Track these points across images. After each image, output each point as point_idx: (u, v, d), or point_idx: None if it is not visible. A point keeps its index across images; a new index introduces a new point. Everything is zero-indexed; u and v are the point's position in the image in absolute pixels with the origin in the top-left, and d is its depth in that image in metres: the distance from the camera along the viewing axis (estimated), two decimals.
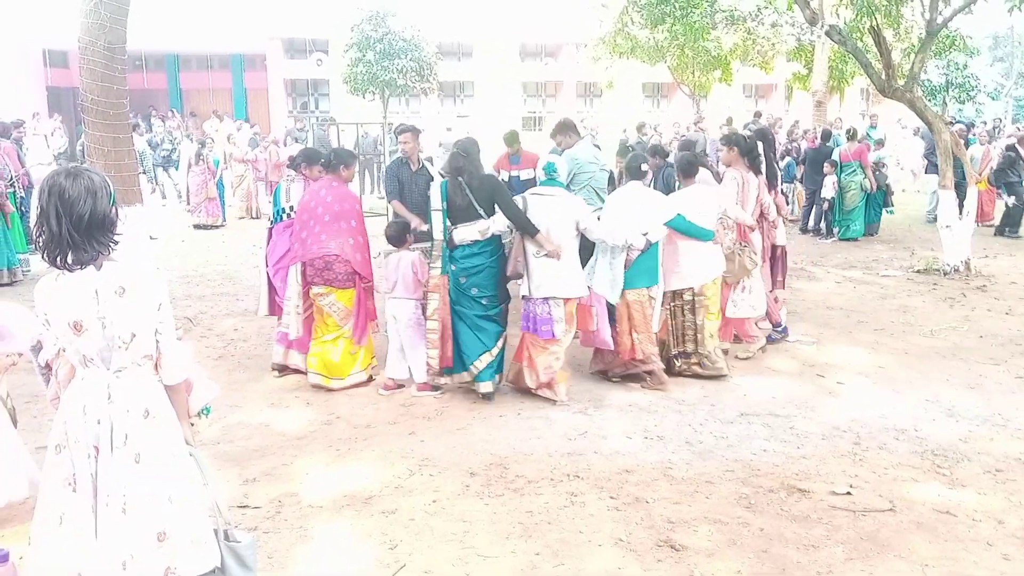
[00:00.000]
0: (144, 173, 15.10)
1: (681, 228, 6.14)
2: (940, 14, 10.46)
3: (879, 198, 13.10)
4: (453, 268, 5.80)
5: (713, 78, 25.24)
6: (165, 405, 2.90)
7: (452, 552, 3.83)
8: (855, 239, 12.72)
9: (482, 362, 5.79)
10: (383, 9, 22.99)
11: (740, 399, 5.87)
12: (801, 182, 13.73)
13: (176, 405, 2.94)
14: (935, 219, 11.38)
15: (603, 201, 6.79)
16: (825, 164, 12.75)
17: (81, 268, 2.69)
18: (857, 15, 11.13)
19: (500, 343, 5.89)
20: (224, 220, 14.94)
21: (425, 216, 7.35)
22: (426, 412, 5.68)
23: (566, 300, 5.76)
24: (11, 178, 10.49)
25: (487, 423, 5.44)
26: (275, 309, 6.67)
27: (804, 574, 3.64)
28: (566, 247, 5.71)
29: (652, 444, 5.08)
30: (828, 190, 12.73)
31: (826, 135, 13.64)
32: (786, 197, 11.58)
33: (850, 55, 14.47)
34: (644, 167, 6.35)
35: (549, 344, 5.76)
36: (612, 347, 6.06)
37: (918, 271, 10.31)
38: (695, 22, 20.19)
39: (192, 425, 3.06)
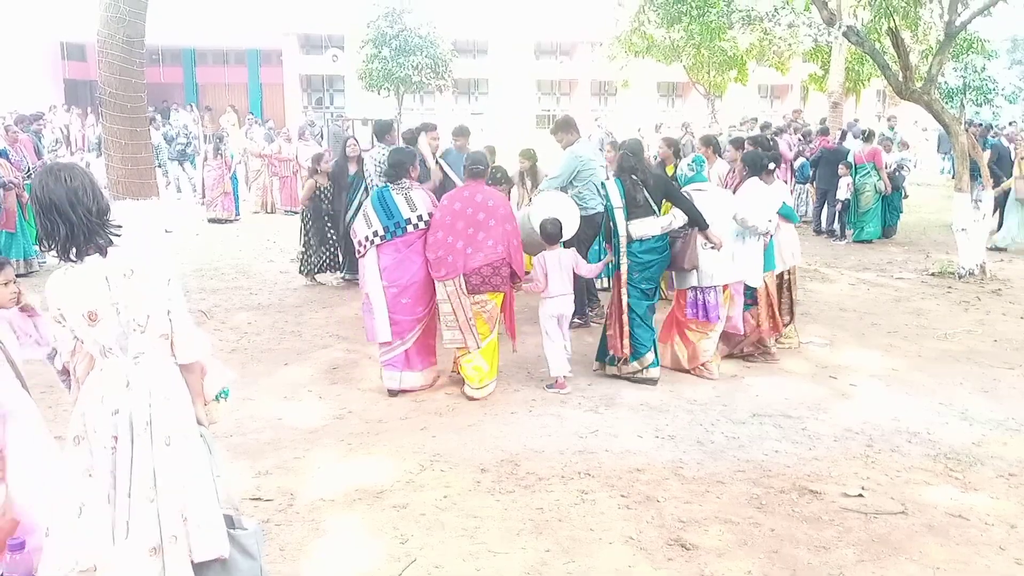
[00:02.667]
0: (159, 167, 15.18)
1: (785, 214, 6.83)
2: (959, 16, 10.40)
3: (895, 200, 13.03)
4: (629, 262, 6.09)
5: (728, 78, 25.19)
6: (182, 388, 2.96)
7: (463, 548, 3.84)
8: (869, 241, 12.66)
9: (652, 351, 6.17)
10: (399, 6, 23.05)
11: (752, 400, 5.86)
12: (814, 183, 13.66)
13: (190, 386, 3.00)
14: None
15: (601, 196, 6.88)
16: (840, 166, 12.68)
17: (90, 255, 2.77)
18: (875, 16, 11.11)
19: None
20: (238, 215, 15.00)
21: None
22: (438, 408, 5.70)
23: (724, 287, 6.31)
24: (28, 170, 10.58)
25: (498, 420, 5.45)
26: (399, 331, 5.88)
27: (815, 575, 3.63)
28: (726, 237, 6.19)
29: (663, 443, 5.08)
30: (843, 191, 12.67)
31: (842, 135, 13.56)
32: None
33: (867, 56, 14.39)
34: (771, 165, 6.82)
35: (712, 328, 6.31)
36: (742, 331, 6.59)
37: (933, 274, 10.26)
38: (711, 22, 20.15)
39: (206, 406, 3.10)
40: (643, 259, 6.08)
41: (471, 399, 5.82)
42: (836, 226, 13.14)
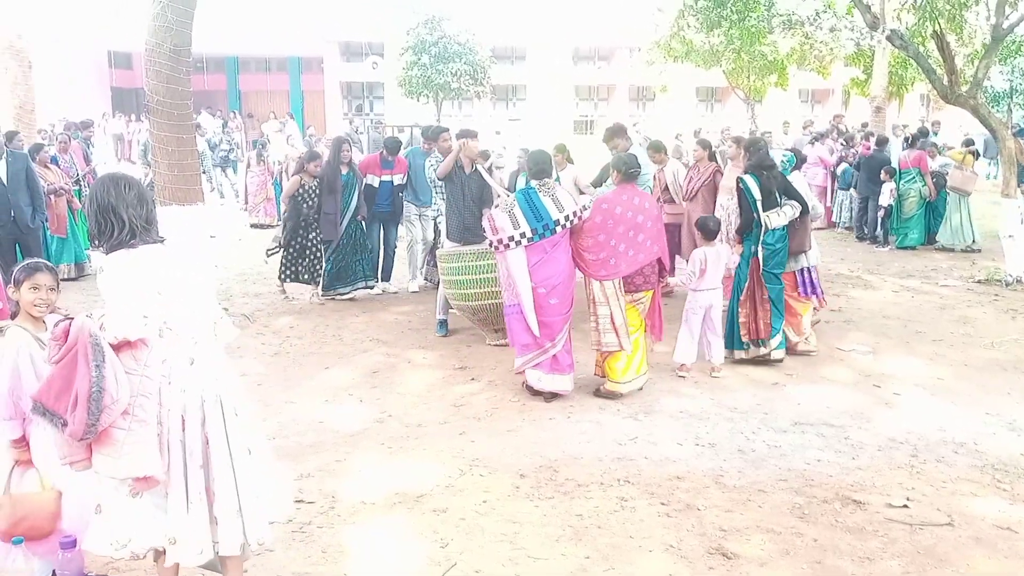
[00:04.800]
0: (204, 173, 15.45)
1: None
2: (1006, 19, 10.22)
3: (940, 206, 12.78)
4: (765, 251, 6.62)
5: (769, 82, 24.93)
6: (228, 366, 3.20)
7: (502, 552, 3.86)
8: (913, 248, 12.45)
9: (780, 334, 6.73)
10: (439, 13, 23.20)
11: (794, 408, 5.80)
12: (855, 188, 13.46)
13: None
14: None
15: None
16: (882, 171, 12.50)
17: (145, 244, 2.98)
18: (920, 20, 10.96)
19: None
20: (280, 219, 15.18)
21: (473, 216, 7.42)
22: (476, 413, 5.72)
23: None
24: (78, 176, 10.83)
25: (536, 425, 5.46)
26: (549, 333, 5.84)
27: None
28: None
29: (703, 451, 5.05)
30: (885, 197, 12.47)
31: (881, 141, 13.36)
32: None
33: (911, 60, 14.18)
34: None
35: (811, 304, 7.12)
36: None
37: (979, 281, 10.06)
38: (752, 26, 19.99)
39: None
40: (775, 247, 6.64)
41: (617, 395, 5.92)
42: (879, 232, 12.93)
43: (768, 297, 6.65)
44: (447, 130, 8.66)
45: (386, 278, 9.61)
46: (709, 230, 6.61)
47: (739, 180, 6.77)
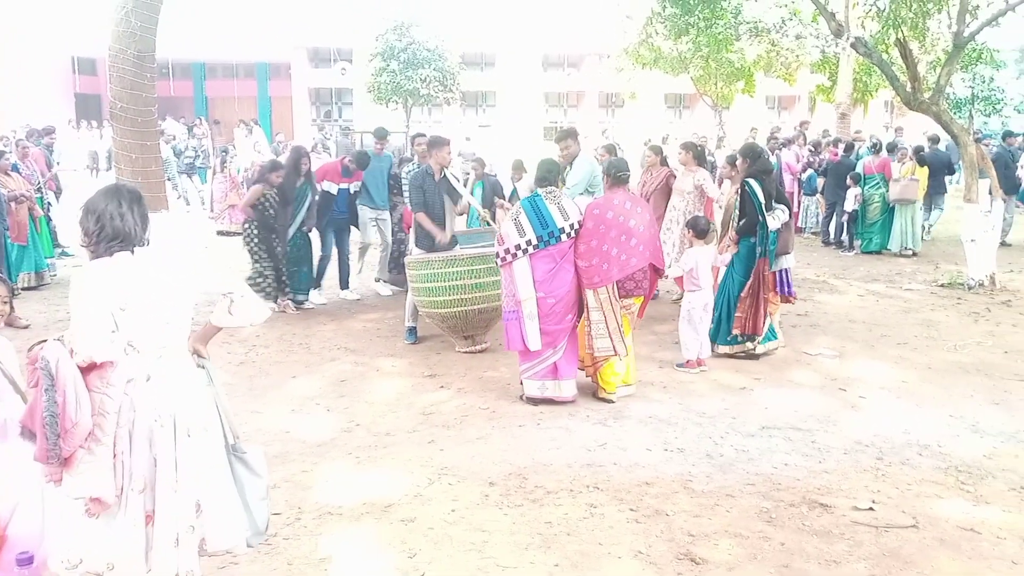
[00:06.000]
0: (169, 180, 15.26)
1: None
2: (967, 27, 10.39)
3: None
4: (765, 251, 6.89)
5: (736, 89, 25.21)
6: (199, 381, 3.10)
7: (471, 562, 3.83)
8: (878, 252, 12.62)
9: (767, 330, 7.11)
10: (408, 19, 23.17)
11: (761, 412, 5.83)
12: (823, 194, 13.63)
13: (205, 330, 3.24)
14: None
15: None
16: (848, 177, 12.67)
17: (120, 252, 2.94)
18: (883, 27, 11.09)
19: None
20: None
21: (443, 223, 7.43)
22: (445, 421, 5.69)
23: None
24: (40, 183, 10.65)
25: (506, 432, 5.44)
26: (551, 341, 5.87)
27: None
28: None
29: (672, 456, 5.06)
30: (850, 203, 12.65)
31: (848, 147, 13.54)
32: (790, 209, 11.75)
33: (875, 67, 14.39)
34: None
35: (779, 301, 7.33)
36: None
37: (942, 285, 10.21)
38: (719, 33, 20.15)
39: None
40: (773, 248, 6.92)
41: (607, 401, 5.98)
42: (844, 237, 13.10)
43: (766, 295, 6.95)
44: (447, 142, 7.90)
45: (344, 286, 9.53)
46: (701, 229, 6.85)
47: (744, 184, 6.99)
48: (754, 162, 7.15)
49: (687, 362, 6.78)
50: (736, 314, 6.99)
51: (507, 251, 5.83)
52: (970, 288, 9.87)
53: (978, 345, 7.58)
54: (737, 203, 7.09)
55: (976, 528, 4.14)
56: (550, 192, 5.94)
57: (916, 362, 7.06)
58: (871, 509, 4.34)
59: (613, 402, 5.95)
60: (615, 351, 5.85)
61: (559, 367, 5.89)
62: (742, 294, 6.97)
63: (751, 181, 6.94)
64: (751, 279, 6.95)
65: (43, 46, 28.83)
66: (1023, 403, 6.05)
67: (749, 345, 7.02)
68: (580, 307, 5.96)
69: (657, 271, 6.24)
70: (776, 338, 7.22)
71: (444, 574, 3.73)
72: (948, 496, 4.52)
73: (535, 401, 5.93)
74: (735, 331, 7.02)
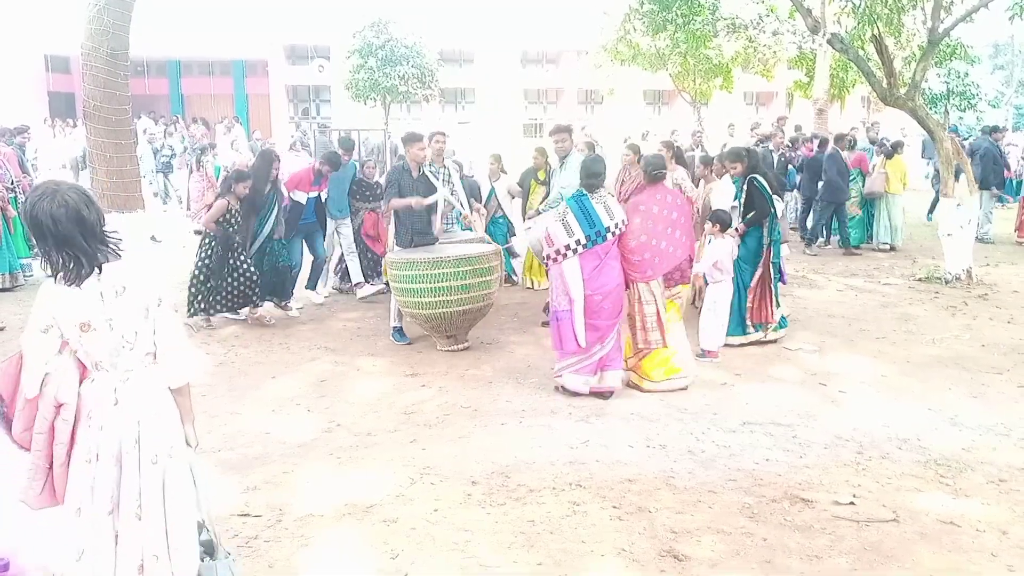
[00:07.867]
0: (144, 178, 15.09)
1: None
2: (942, 23, 10.47)
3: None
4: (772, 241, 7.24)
5: (714, 85, 25.29)
6: (170, 406, 2.96)
7: (454, 561, 3.81)
8: (856, 247, 12.70)
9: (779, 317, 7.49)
10: (385, 16, 23.04)
11: (742, 407, 5.85)
12: (799, 190, 13.70)
13: (179, 405, 2.99)
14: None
15: None
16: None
17: (89, 276, 2.75)
18: (859, 24, 11.14)
19: None
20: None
21: (426, 221, 7.41)
22: (427, 420, 5.66)
23: None
24: (12, 182, 10.49)
25: (488, 431, 5.42)
26: (599, 336, 5.97)
27: None
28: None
29: (654, 453, 5.06)
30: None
31: (823, 143, 13.59)
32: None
33: (852, 63, 14.47)
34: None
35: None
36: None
37: (920, 279, 10.30)
38: (697, 30, 20.24)
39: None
40: (778, 237, 7.32)
41: (646, 391, 6.11)
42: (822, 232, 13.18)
43: (772, 285, 7.30)
44: (422, 138, 7.72)
45: (312, 287, 9.43)
46: (724, 222, 7.06)
47: (752, 179, 7.32)
48: (751, 161, 7.45)
49: (708, 352, 6.96)
50: (747, 304, 7.30)
51: (556, 251, 5.95)
52: (947, 282, 9.96)
53: (956, 339, 7.65)
54: (742, 198, 7.40)
55: (956, 521, 4.18)
56: (597, 192, 6.05)
57: (895, 356, 7.11)
58: (852, 504, 4.36)
59: (656, 392, 6.10)
60: (664, 342, 6.09)
61: (605, 360, 6.04)
62: (751, 284, 7.28)
63: (758, 177, 7.30)
64: (760, 269, 7.28)
65: (14, 43, 28.43)
66: (1000, 396, 6.11)
67: (761, 334, 7.35)
68: (623, 305, 6.15)
69: (691, 260, 6.51)
70: (787, 325, 7.57)
71: (427, 574, 3.70)
72: (928, 489, 4.56)
73: (576, 395, 6.03)
74: (749, 320, 7.34)
